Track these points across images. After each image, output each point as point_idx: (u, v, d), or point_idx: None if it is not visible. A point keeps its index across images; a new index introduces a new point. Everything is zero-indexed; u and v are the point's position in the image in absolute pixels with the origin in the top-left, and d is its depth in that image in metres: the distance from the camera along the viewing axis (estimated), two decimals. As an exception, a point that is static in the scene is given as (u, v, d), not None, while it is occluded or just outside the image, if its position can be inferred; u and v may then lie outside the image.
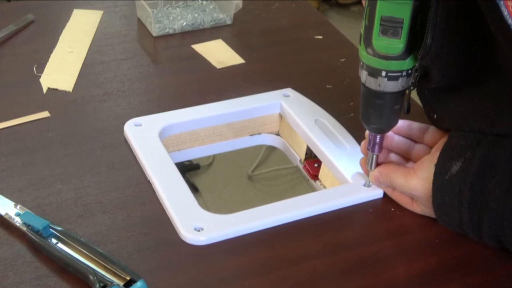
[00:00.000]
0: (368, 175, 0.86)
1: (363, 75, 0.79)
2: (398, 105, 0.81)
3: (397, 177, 0.83)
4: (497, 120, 0.77)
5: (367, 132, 0.84)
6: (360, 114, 0.82)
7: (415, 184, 0.80)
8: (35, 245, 0.76)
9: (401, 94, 0.80)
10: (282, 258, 0.78)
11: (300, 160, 0.99)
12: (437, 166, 0.78)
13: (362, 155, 0.88)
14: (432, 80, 0.80)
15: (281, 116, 1.01)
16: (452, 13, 0.74)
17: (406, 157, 0.87)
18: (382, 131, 0.83)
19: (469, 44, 0.77)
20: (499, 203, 0.74)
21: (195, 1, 1.21)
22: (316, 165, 0.96)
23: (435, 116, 0.83)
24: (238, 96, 1.00)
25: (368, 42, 0.77)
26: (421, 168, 0.80)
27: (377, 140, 0.83)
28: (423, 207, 0.83)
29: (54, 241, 0.76)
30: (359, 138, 0.90)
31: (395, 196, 0.85)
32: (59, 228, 0.77)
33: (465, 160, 0.77)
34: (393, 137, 0.86)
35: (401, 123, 0.85)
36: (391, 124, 0.83)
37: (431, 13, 0.74)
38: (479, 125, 0.78)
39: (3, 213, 0.79)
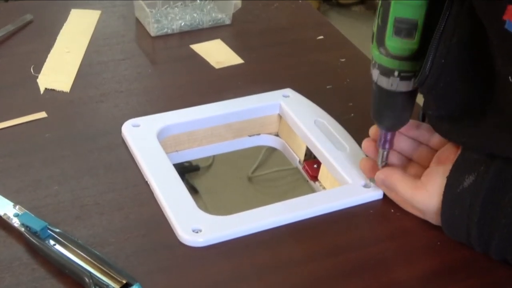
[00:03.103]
0: (367, 174, 0.85)
1: (375, 73, 0.78)
2: (410, 104, 0.80)
3: (403, 188, 0.81)
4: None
5: (372, 130, 0.84)
6: (372, 112, 0.82)
7: (423, 198, 0.79)
8: (32, 246, 0.76)
9: (413, 93, 0.79)
10: (281, 259, 0.78)
11: (299, 161, 0.99)
12: (449, 178, 0.77)
13: (362, 156, 0.87)
14: (429, 108, 0.79)
15: (280, 117, 1.00)
16: (452, 50, 0.73)
17: (408, 158, 0.86)
18: (393, 129, 0.82)
19: (469, 81, 0.76)
20: (511, 220, 0.73)
21: (194, 1, 1.21)
22: (315, 166, 0.95)
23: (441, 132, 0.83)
24: (237, 96, 1.00)
25: (380, 42, 0.76)
26: (431, 182, 0.79)
27: (388, 137, 0.83)
28: (425, 215, 0.82)
29: (51, 242, 0.76)
30: (359, 139, 0.89)
31: (396, 198, 0.84)
32: (57, 230, 0.77)
33: (479, 174, 0.75)
34: (399, 136, 0.85)
35: (410, 123, 0.84)
36: (402, 123, 0.82)
37: (432, 45, 0.73)
38: (488, 151, 0.76)
39: (1, 214, 0.79)
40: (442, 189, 0.77)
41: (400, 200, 0.84)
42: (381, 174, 0.83)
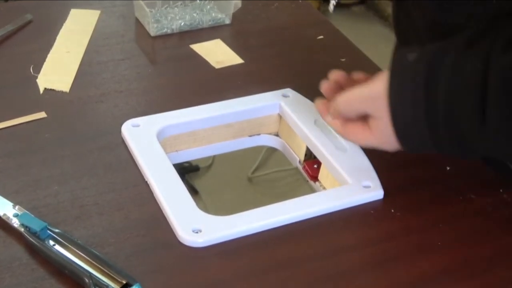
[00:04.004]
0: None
1: None
2: None
3: (355, 89, 0.82)
4: None
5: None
6: None
7: (378, 85, 0.79)
8: (32, 246, 0.76)
9: None
10: (281, 260, 0.78)
11: (299, 161, 0.99)
12: (394, 58, 0.79)
13: (363, 156, 0.87)
14: None
15: (280, 117, 1.00)
16: None
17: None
18: None
19: None
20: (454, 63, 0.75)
21: (194, 1, 1.21)
22: (315, 166, 0.95)
23: None
24: (237, 96, 0.99)
25: None
26: (378, 76, 0.80)
27: None
28: (378, 130, 0.81)
29: (51, 243, 0.76)
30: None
31: (348, 129, 0.84)
32: (57, 230, 0.76)
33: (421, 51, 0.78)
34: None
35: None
36: None
37: None
38: None
39: (1, 214, 0.79)
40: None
41: (353, 128, 0.84)
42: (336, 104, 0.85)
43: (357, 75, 0.89)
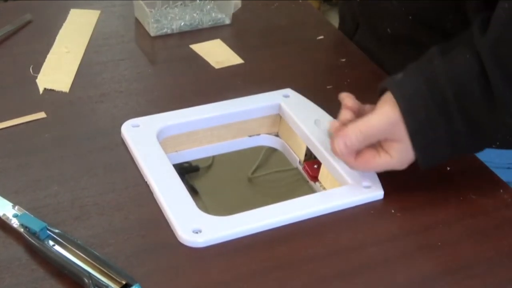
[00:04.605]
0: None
1: None
2: None
3: (369, 121, 0.82)
4: None
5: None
6: None
7: (391, 110, 0.80)
8: (31, 247, 0.76)
9: None
10: (281, 260, 0.78)
11: (299, 161, 0.99)
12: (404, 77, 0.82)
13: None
14: None
15: (280, 117, 1.00)
16: None
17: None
18: None
19: None
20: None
21: (194, 1, 1.20)
22: (315, 166, 0.95)
23: None
24: (237, 96, 0.99)
25: None
26: (384, 103, 0.82)
27: None
28: (399, 151, 0.82)
29: (51, 243, 0.75)
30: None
31: (361, 160, 0.84)
32: (56, 230, 0.76)
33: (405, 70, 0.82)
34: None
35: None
36: None
37: None
38: None
39: (0, 214, 0.79)
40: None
41: (366, 155, 0.84)
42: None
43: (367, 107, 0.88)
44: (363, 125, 0.82)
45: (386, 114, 0.81)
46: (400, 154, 0.82)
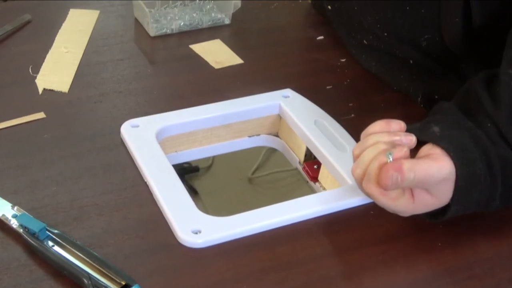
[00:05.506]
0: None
1: None
2: None
3: (424, 164, 0.75)
4: None
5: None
6: None
7: (447, 161, 0.75)
8: (30, 247, 0.76)
9: None
10: (281, 260, 0.77)
11: (299, 162, 0.99)
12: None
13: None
14: None
15: (280, 117, 1.00)
16: None
17: None
18: None
19: None
20: None
21: (193, 1, 1.20)
22: (315, 166, 0.95)
23: None
24: (237, 96, 0.99)
25: None
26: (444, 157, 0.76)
27: None
28: (420, 200, 0.77)
29: (50, 243, 0.75)
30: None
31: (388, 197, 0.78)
32: (56, 231, 0.76)
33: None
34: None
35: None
36: None
37: None
38: None
39: (-1, 215, 0.79)
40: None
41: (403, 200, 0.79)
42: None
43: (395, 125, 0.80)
44: (421, 170, 0.74)
45: (446, 167, 0.75)
46: (423, 207, 0.78)
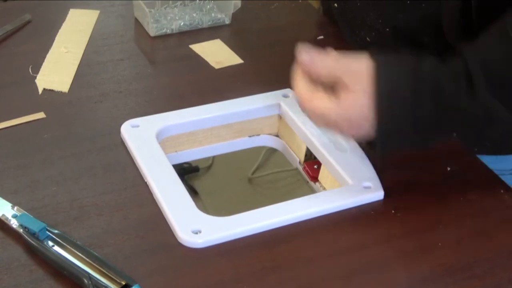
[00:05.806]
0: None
1: None
2: None
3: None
4: None
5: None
6: None
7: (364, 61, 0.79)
8: (31, 247, 0.76)
9: None
10: (281, 261, 0.77)
11: (299, 162, 0.98)
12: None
13: (363, 157, 0.87)
14: None
15: (280, 117, 1.00)
16: None
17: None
18: None
19: None
20: None
21: (193, 1, 1.20)
22: (315, 166, 0.95)
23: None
24: (237, 96, 0.99)
25: None
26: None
27: None
28: (347, 102, 0.79)
29: (50, 243, 0.75)
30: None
31: (316, 97, 0.81)
32: (56, 231, 0.76)
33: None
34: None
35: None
36: None
37: None
38: None
39: (-1, 215, 0.79)
40: None
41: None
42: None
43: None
44: (337, 53, 0.81)
45: (364, 59, 0.80)
46: (347, 105, 0.79)
